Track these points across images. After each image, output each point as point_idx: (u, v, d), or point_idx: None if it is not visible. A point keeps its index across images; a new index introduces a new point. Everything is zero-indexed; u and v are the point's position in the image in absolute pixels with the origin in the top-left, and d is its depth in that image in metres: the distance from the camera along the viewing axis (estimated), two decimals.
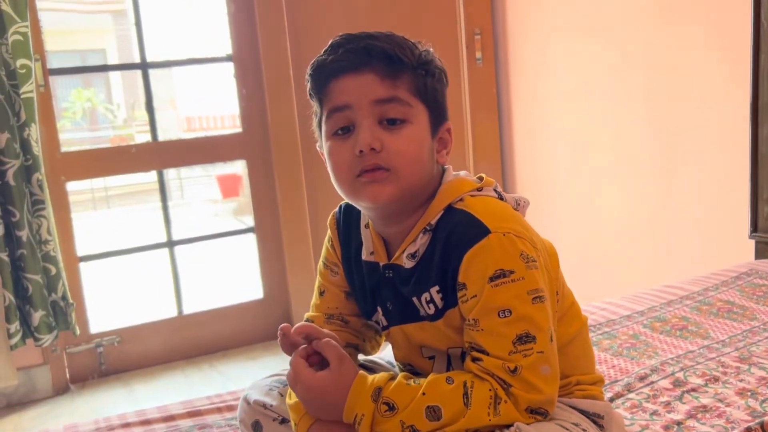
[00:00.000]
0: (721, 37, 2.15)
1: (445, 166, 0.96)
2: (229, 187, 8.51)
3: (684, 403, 1.18)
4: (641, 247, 2.56)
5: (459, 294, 0.88)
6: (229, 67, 2.94)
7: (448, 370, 0.96)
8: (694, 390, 1.22)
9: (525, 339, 0.85)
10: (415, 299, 0.93)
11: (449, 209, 0.91)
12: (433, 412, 0.84)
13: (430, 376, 0.88)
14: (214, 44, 3.70)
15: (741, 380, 1.25)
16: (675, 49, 2.31)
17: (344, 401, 0.87)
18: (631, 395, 1.23)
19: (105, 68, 13.70)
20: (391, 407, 0.86)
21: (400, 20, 2.97)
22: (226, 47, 2.93)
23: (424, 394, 0.85)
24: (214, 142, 3.26)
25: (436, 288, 0.91)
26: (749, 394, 1.19)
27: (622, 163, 2.59)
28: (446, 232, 0.89)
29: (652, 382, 1.27)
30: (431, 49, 0.95)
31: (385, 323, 1.00)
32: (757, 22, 1.95)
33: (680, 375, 1.29)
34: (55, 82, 2.79)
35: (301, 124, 2.93)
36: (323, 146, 0.94)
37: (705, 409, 1.15)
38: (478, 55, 3.06)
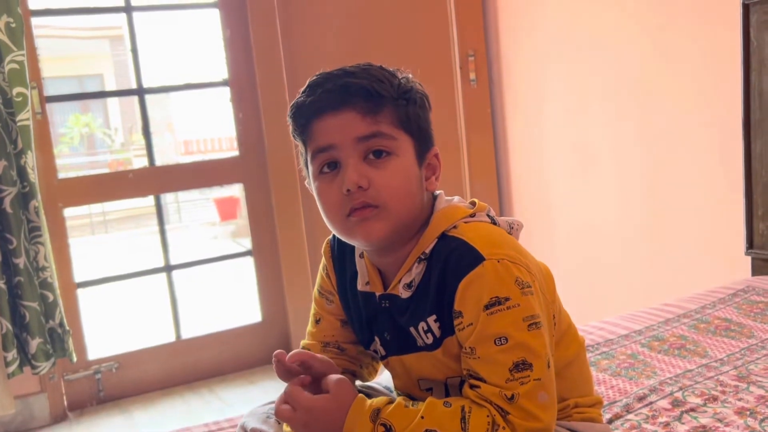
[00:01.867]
0: (712, 56, 2.17)
1: (437, 192, 0.96)
2: (226, 209, 8.52)
3: (683, 423, 1.17)
4: (638, 265, 2.56)
5: (455, 322, 0.88)
6: (226, 92, 2.96)
7: None
8: (693, 410, 1.22)
9: (522, 366, 0.84)
10: (412, 329, 0.93)
11: (443, 237, 0.91)
12: None
13: (428, 400, 0.87)
14: (211, 69, 3.72)
15: (740, 399, 1.24)
16: (667, 68, 2.33)
17: (343, 422, 0.87)
18: (630, 416, 1.22)
19: (102, 95, 13.82)
20: (388, 429, 0.85)
21: (393, 43, 2.99)
22: (222, 72, 2.95)
23: (422, 417, 0.85)
24: (212, 166, 3.27)
25: (434, 317, 0.90)
26: (748, 413, 1.18)
27: (617, 182, 2.60)
28: (441, 260, 0.89)
29: (651, 402, 1.26)
30: (410, 76, 0.95)
31: (383, 353, 0.99)
32: (747, 41, 1.98)
33: (679, 395, 1.28)
34: (53, 108, 2.80)
35: (297, 148, 2.93)
36: (312, 184, 0.95)
37: (704, 429, 1.14)
38: (472, 76, 3.08)
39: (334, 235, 1.05)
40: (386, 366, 1.01)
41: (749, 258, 2.08)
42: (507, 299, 0.85)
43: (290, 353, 0.93)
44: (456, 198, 0.97)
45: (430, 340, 0.92)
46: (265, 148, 2.93)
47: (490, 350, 0.85)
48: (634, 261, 2.58)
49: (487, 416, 0.84)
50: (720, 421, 1.17)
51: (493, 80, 3.12)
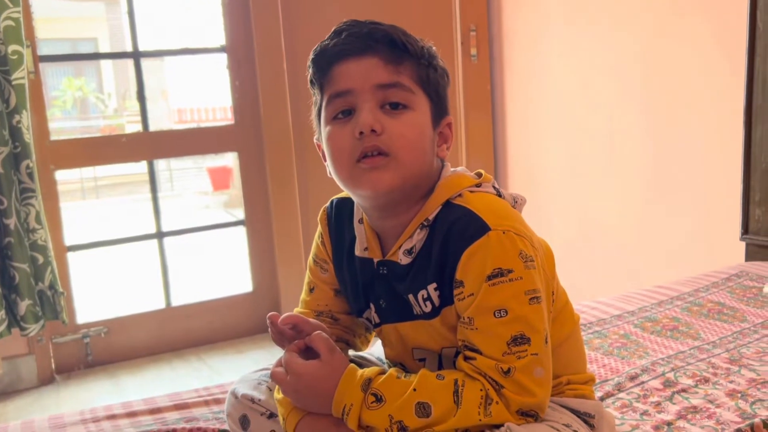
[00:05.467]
0: (717, 39, 2.15)
1: (445, 162, 0.95)
2: (219, 179, 8.48)
3: (674, 404, 1.17)
4: (633, 247, 2.57)
5: (455, 292, 0.87)
6: (223, 58, 2.92)
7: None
8: (684, 390, 1.22)
9: (520, 340, 0.84)
10: (411, 297, 0.92)
11: (447, 204, 0.89)
12: (423, 409, 0.83)
13: (421, 371, 0.87)
14: (208, 35, 3.67)
15: (731, 381, 1.24)
16: (670, 49, 2.31)
17: (334, 391, 0.86)
18: (621, 395, 1.22)
19: (96, 56, 13.64)
20: (379, 399, 0.84)
21: (395, 15, 2.95)
22: (220, 38, 2.91)
23: (414, 389, 0.84)
24: (206, 134, 3.24)
25: (434, 285, 0.89)
26: (739, 395, 1.19)
27: (615, 163, 2.59)
28: (445, 227, 0.87)
29: (643, 382, 1.26)
30: (434, 48, 0.94)
31: (377, 320, 0.98)
32: (753, 24, 1.96)
33: (671, 375, 1.28)
34: (46, 69, 2.76)
35: (293, 117, 2.91)
36: (322, 133, 0.92)
37: (695, 410, 1.15)
38: (473, 51, 3.05)
39: (331, 202, 1.04)
40: (379, 335, 1.01)
41: (744, 243, 2.09)
42: (510, 271, 0.84)
43: (282, 316, 0.92)
44: (461, 168, 0.96)
45: (428, 308, 0.90)
46: (260, 117, 2.90)
47: (489, 322, 0.84)
48: (629, 242, 2.58)
49: (480, 390, 0.84)
50: (711, 402, 1.17)
51: (494, 56, 3.09)
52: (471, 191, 0.91)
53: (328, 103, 0.90)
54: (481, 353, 0.85)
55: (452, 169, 0.95)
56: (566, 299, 1.01)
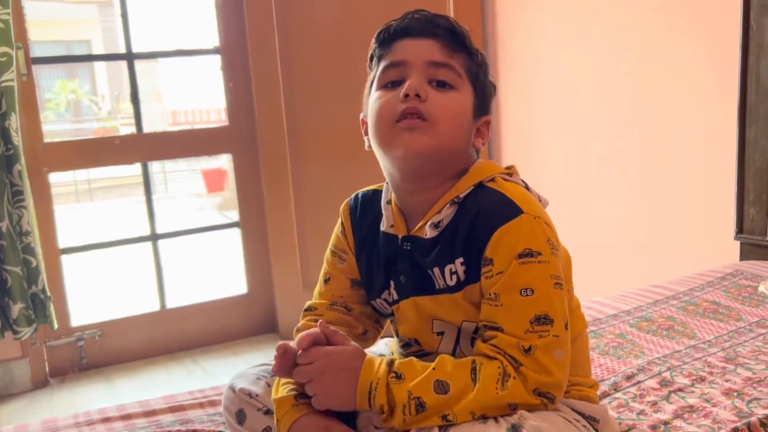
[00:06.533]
0: (711, 38, 2.15)
1: (479, 154, 0.99)
2: (214, 181, 8.46)
3: (671, 403, 1.17)
4: (627, 246, 2.57)
5: (483, 269, 0.89)
6: (216, 60, 2.91)
7: (455, 347, 0.96)
8: (680, 390, 1.22)
9: (543, 320, 0.85)
10: (437, 270, 0.93)
11: (480, 186, 0.93)
12: (441, 386, 0.84)
13: (439, 357, 0.88)
14: (202, 36, 3.66)
15: (727, 380, 1.24)
16: (664, 49, 2.31)
17: (360, 367, 0.86)
18: (618, 394, 1.22)
19: (89, 58, 13.58)
20: (399, 377, 0.86)
21: (389, 14, 2.93)
22: (214, 39, 2.90)
23: (434, 369, 0.86)
24: (200, 135, 3.23)
25: (461, 260, 0.91)
26: (735, 394, 1.19)
27: (609, 163, 2.59)
28: (476, 207, 0.91)
29: (639, 382, 1.26)
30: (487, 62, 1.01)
31: (396, 297, 0.99)
32: (746, 24, 1.96)
33: (667, 375, 1.28)
34: (39, 72, 2.75)
35: (288, 118, 2.90)
36: (369, 99, 0.97)
37: (692, 409, 1.15)
38: None
39: (356, 195, 1.08)
40: (396, 313, 1.01)
41: (738, 243, 2.09)
42: (539, 253, 0.87)
43: (298, 338, 0.90)
44: (491, 160, 1.00)
45: (453, 282, 0.92)
46: (255, 119, 2.89)
47: (515, 299, 0.86)
48: (624, 242, 2.58)
49: (499, 367, 0.84)
50: (707, 401, 1.17)
51: (488, 56, 3.09)
52: (504, 179, 0.94)
53: (381, 72, 0.96)
54: (503, 331, 0.86)
55: None
56: (578, 303, 1.02)
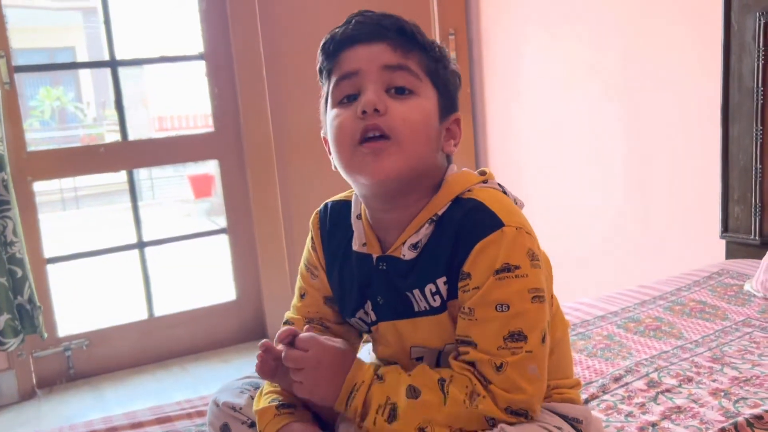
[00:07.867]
0: (693, 39, 2.17)
1: (451, 159, 0.95)
2: (201, 187, 8.42)
3: (658, 404, 1.17)
4: (614, 247, 2.58)
5: (461, 283, 0.86)
6: (201, 66, 2.90)
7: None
8: (668, 391, 1.22)
9: (516, 337, 0.84)
10: (417, 292, 0.90)
11: (457, 200, 0.89)
12: (413, 391, 0.85)
13: (420, 365, 0.89)
14: (186, 42, 3.65)
15: (714, 380, 1.25)
16: (647, 50, 2.33)
17: (351, 362, 0.88)
18: (605, 396, 1.22)
19: (73, 66, 13.49)
20: (380, 378, 0.87)
21: None
22: (198, 45, 2.88)
23: (409, 375, 0.87)
24: (186, 142, 3.21)
25: (443, 279, 0.88)
26: (722, 394, 1.19)
27: (595, 163, 2.60)
28: (456, 221, 0.87)
29: (627, 383, 1.26)
30: (447, 50, 0.95)
31: (373, 318, 0.96)
32: (728, 24, 1.97)
33: (654, 376, 1.29)
34: (22, 80, 2.72)
35: (274, 124, 2.90)
36: (327, 118, 0.91)
37: (679, 409, 1.15)
38: (453, 55, 3.05)
39: (325, 205, 1.02)
40: (374, 333, 0.98)
41: (724, 241, 2.10)
42: (517, 267, 0.84)
43: (278, 332, 0.90)
44: (464, 168, 0.96)
45: (437, 302, 0.89)
46: (240, 124, 2.89)
47: (489, 315, 0.84)
48: (610, 243, 2.59)
49: (466, 386, 0.84)
50: (695, 401, 1.17)
51: (473, 59, 3.10)
52: (480, 187, 0.91)
53: (334, 87, 0.90)
54: (476, 346, 0.85)
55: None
56: (557, 305, 1.01)
